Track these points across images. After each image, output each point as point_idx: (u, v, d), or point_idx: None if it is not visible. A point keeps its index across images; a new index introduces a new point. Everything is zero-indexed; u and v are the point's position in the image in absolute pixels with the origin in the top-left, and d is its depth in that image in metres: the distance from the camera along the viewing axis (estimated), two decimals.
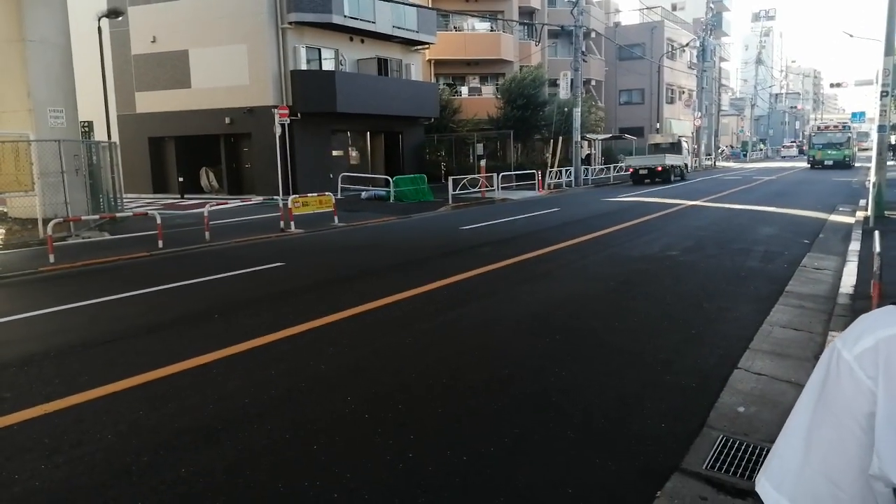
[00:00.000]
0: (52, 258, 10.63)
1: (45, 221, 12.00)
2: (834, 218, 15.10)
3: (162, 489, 3.39)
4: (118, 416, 4.33)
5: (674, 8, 67.07)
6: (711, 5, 51.26)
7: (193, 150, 26.41)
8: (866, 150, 56.40)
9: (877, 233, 6.46)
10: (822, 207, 17.29)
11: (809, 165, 42.20)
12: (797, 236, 12.21)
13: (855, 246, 10.43)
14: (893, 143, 30.31)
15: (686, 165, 33.05)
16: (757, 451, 3.67)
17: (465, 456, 3.69)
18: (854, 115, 55.23)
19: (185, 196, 24.88)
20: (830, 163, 40.63)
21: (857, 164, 41.97)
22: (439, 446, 3.83)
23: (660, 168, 29.04)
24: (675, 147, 31.36)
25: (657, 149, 31.21)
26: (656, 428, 4.04)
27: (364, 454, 3.74)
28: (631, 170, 29.95)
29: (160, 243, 12.11)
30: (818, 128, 46.37)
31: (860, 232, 11.95)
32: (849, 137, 41.44)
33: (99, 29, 20.31)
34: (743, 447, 3.70)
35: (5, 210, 15.88)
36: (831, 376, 0.89)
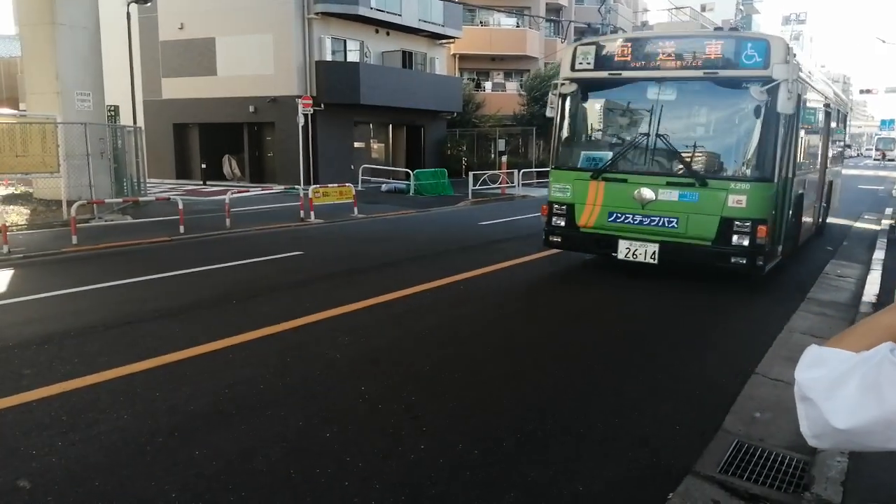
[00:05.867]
0: (74, 240, 10.77)
1: (69, 203, 12.15)
2: (859, 225, 14.88)
3: (175, 470, 3.42)
4: (134, 397, 4.38)
5: (703, 9, 66.15)
6: (741, 7, 50.63)
7: (217, 138, 26.58)
8: (892, 160, 54.39)
9: None
10: (846, 214, 17.01)
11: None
12: (821, 242, 12.04)
13: (879, 255, 10.25)
14: None
15: None
16: (772, 456, 3.62)
17: (477, 450, 3.69)
18: (883, 122, 54.25)
19: (208, 183, 25.07)
20: (642, 255, 7.67)
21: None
22: (451, 439, 3.83)
23: None
24: None
25: None
26: (671, 430, 4.01)
27: (376, 444, 3.75)
28: None
29: (181, 228, 12.22)
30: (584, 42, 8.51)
31: (885, 241, 11.75)
32: (757, 107, 7.09)
33: (128, 14, 20.48)
34: (758, 452, 3.66)
35: (31, 191, 16.12)
36: (884, 372, 0.90)
